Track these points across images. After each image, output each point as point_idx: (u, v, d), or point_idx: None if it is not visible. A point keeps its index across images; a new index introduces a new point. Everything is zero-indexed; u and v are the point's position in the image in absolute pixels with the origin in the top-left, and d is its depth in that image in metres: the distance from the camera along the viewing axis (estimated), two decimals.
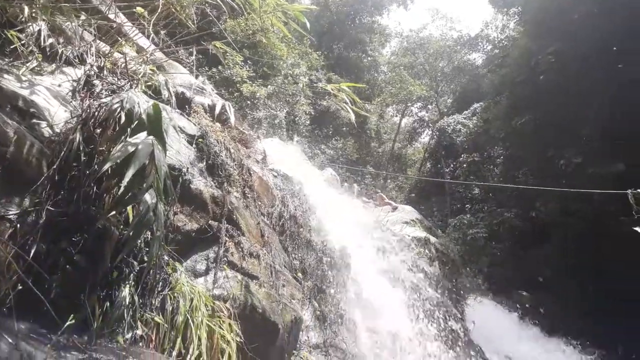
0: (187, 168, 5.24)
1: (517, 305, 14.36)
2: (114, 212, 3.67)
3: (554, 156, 15.16)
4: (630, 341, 11.53)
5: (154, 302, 4.13)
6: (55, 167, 3.55)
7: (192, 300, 4.31)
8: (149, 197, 3.50)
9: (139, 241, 4.02)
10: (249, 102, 13.42)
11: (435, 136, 26.48)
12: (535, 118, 15.69)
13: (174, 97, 5.68)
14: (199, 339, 4.18)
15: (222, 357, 4.44)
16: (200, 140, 5.78)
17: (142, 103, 3.84)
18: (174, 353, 3.97)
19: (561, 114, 14.72)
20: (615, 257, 12.93)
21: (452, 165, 24.05)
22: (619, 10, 13.34)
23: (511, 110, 17.51)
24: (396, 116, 29.85)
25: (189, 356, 4.05)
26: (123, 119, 3.87)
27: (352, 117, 5.69)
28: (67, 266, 3.35)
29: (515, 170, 17.83)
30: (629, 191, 7.58)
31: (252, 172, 6.60)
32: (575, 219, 14.09)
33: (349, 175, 18.36)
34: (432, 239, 12.07)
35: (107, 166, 3.47)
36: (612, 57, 13.58)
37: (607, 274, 13.15)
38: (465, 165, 21.68)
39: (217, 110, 6.75)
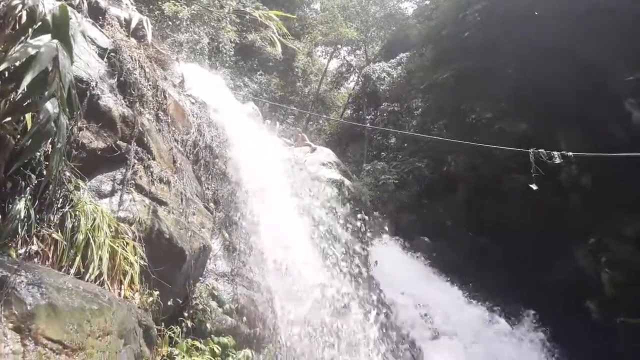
0: (96, 82, 4.92)
1: (418, 250, 15.30)
2: (9, 119, 3.40)
3: (468, 111, 15.86)
4: (516, 291, 12.66)
5: (52, 219, 3.95)
6: None
7: (94, 219, 4.17)
8: (50, 106, 3.27)
9: (38, 153, 3.79)
10: (170, 22, 12.64)
11: (360, 82, 26.65)
12: (455, 73, 16.18)
13: (85, 4, 5.23)
14: (100, 259, 4.09)
15: (124, 279, 4.39)
16: (112, 54, 5.41)
17: (48, 3, 3.50)
18: (72, 271, 3.87)
19: (479, 72, 15.28)
20: (509, 213, 14.01)
21: (373, 113, 24.48)
22: None
23: (434, 63, 17.91)
24: (324, 57, 29.56)
25: (88, 275, 3.96)
26: (24, 18, 3.53)
27: (279, 48, 5.57)
28: None
29: (432, 123, 18.48)
30: (531, 150, 8.05)
31: (167, 96, 6.33)
32: (479, 174, 15.02)
33: (271, 112, 18.16)
34: (347, 182, 12.40)
35: (2, 67, 3.17)
36: (530, 22, 14.12)
37: (499, 228, 14.22)
38: (385, 114, 22.12)
39: (133, 24, 6.32)
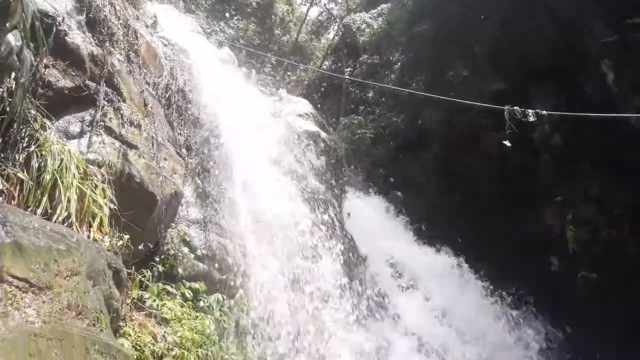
0: (63, 18, 4.70)
1: (391, 204, 15.51)
2: None
3: (446, 68, 15.79)
4: (484, 246, 13.01)
5: (17, 158, 3.85)
6: None
7: (61, 160, 4.07)
8: (12, 39, 3.12)
9: (1, 89, 3.64)
10: None
11: (339, 33, 26.10)
12: (435, 27, 15.97)
13: None
14: (68, 201, 4.02)
15: (94, 222, 4.34)
16: None
17: None
18: (39, 211, 3.80)
19: (459, 27, 15.12)
20: (481, 170, 14.24)
21: (352, 66, 24.15)
22: None
23: (415, 15, 17.60)
24: (304, 4, 28.69)
25: (56, 216, 3.90)
26: None
27: None
28: None
29: (410, 77, 18.35)
30: (506, 107, 8.11)
31: (139, 36, 6.10)
32: (454, 130, 15.11)
33: (248, 60, 17.73)
34: (323, 134, 12.34)
35: None
36: None
37: (471, 184, 14.47)
38: (364, 66, 21.86)
39: None
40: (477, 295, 11.53)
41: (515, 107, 8.05)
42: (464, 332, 10.16)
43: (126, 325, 4.41)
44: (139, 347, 4.37)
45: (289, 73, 26.12)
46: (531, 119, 7.71)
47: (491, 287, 12.07)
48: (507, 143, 8.43)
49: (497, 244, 12.82)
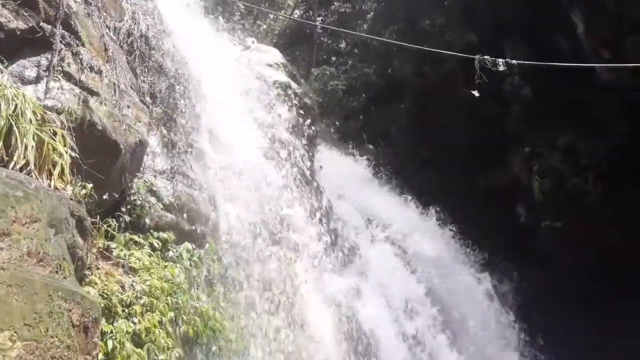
0: None
1: (364, 156, 15.57)
2: None
3: (418, 18, 15.61)
4: (453, 195, 13.25)
5: None
6: None
7: (16, 105, 3.88)
8: None
9: None
10: None
11: None
12: None
13: None
14: (26, 147, 3.86)
15: (54, 170, 4.20)
16: None
17: None
18: None
19: None
20: (451, 121, 14.34)
21: (323, 15, 23.60)
22: None
23: None
24: None
25: (13, 163, 3.75)
26: None
27: None
28: None
29: (382, 27, 18.08)
30: (476, 56, 8.07)
31: None
32: (425, 81, 15.10)
33: (216, 6, 17.09)
34: (294, 85, 12.13)
35: None
36: None
37: (442, 135, 14.59)
38: (336, 15, 21.41)
39: None
40: (445, 243, 11.83)
41: (485, 57, 8.02)
42: (433, 277, 10.49)
43: (92, 274, 4.37)
44: (106, 296, 4.36)
45: (259, 22, 25.36)
46: (501, 68, 7.72)
47: (460, 235, 12.40)
48: (476, 93, 8.45)
49: (467, 195, 13.10)
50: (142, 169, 5.97)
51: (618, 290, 10.44)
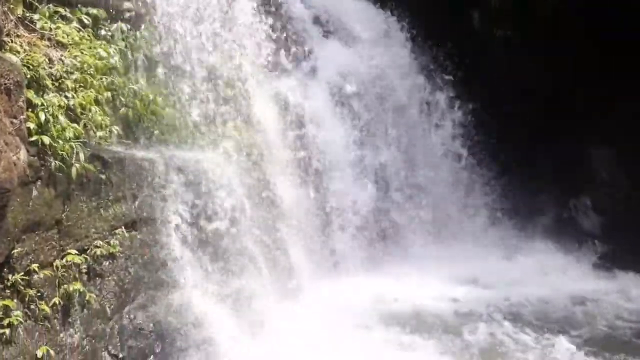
0: None
1: None
2: None
3: None
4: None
5: None
6: None
7: None
8: None
9: None
10: None
11: None
12: None
13: None
14: None
15: None
16: None
17: None
18: None
19: None
20: None
21: None
22: None
23: None
24: None
25: None
26: None
27: None
28: None
29: None
30: None
31: None
32: None
33: None
34: None
35: None
36: None
37: None
38: None
39: None
40: (400, 46, 11.37)
41: None
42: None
43: (12, 42, 4.04)
44: (32, 67, 4.09)
45: None
46: None
47: (417, 39, 11.86)
48: None
49: None
50: None
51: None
